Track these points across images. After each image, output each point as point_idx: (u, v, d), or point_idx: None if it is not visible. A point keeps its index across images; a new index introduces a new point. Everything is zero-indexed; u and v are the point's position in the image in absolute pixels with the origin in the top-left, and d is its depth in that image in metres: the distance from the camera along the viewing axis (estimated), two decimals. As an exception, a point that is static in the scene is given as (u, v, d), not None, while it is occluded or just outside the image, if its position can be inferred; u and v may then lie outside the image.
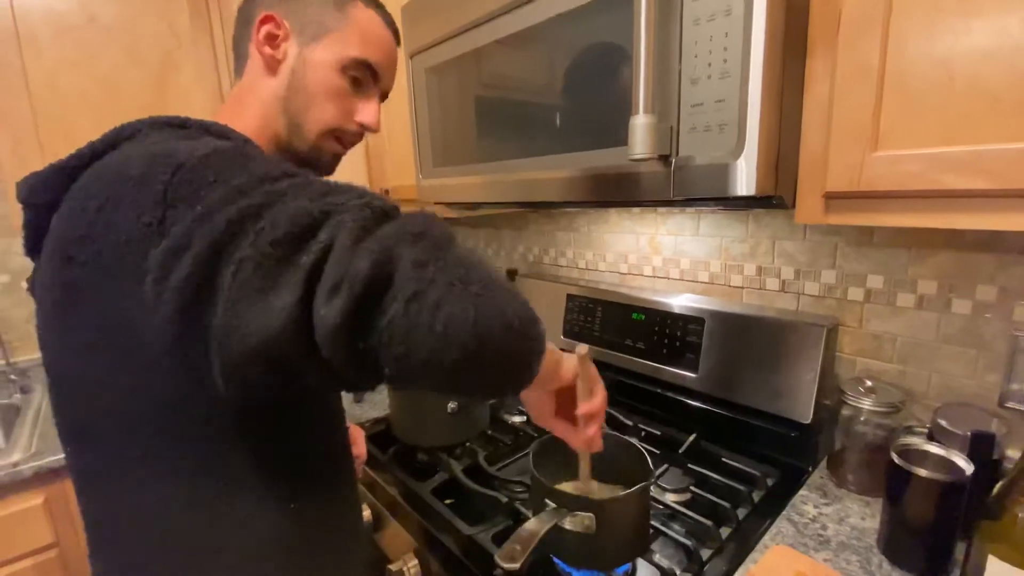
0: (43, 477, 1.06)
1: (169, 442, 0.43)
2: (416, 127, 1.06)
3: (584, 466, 0.62)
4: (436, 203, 1.09)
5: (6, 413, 1.39)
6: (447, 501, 0.83)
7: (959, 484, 0.59)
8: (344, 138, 0.60)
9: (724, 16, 0.53)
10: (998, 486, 0.52)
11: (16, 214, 0.59)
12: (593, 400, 0.55)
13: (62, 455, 1.06)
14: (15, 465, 1.04)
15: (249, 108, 0.56)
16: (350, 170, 1.47)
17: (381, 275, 0.31)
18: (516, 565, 0.50)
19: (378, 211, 0.34)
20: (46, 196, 0.44)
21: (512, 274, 1.44)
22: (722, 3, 0.53)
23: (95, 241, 0.39)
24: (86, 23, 1.25)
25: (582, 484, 0.62)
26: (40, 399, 1.36)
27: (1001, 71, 0.44)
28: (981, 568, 0.51)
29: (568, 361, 0.53)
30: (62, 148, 1.33)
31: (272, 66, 0.56)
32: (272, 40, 0.55)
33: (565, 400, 0.57)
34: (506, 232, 1.53)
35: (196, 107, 1.40)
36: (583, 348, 0.54)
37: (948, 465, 0.62)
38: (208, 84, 1.42)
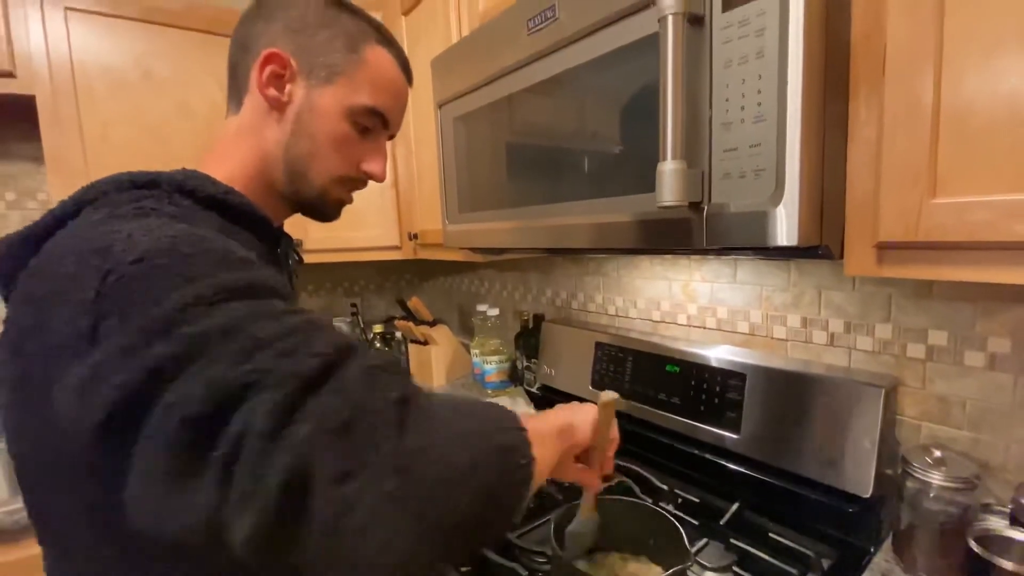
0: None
1: (102, 543, 0.39)
2: (443, 174, 1.07)
3: (589, 498, 0.62)
4: (462, 248, 1.08)
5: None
6: (464, 569, 0.76)
7: (1060, 585, 0.50)
8: (350, 186, 0.58)
9: (756, 58, 0.50)
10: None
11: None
12: (611, 447, 0.54)
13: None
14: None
15: (245, 150, 0.52)
16: (380, 216, 1.49)
17: (294, 495, 0.28)
18: None
19: (307, 380, 0.30)
20: (10, 264, 0.41)
21: (538, 320, 1.40)
22: (754, 45, 0.50)
23: (38, 336, 0.36)
24: (140, 79, 1.34)
25: (582, 516, 0.62)
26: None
27: (1082, 109, 0.39)
28: None
29: (583, 423, 0.51)
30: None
31: (276, 109, 0.51)
32: (277, 81, 0.51)
33: (584, 453, 0.54)
34: (533, 276, 1.50)
35: (236, 155, 1.46)
36: (609, 396, 0.53)
37: (1043, 558, 0.52)
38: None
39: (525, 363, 1.43)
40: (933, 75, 0.46)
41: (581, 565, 0.60)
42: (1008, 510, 0.62)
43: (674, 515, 0.65)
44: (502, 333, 1.57)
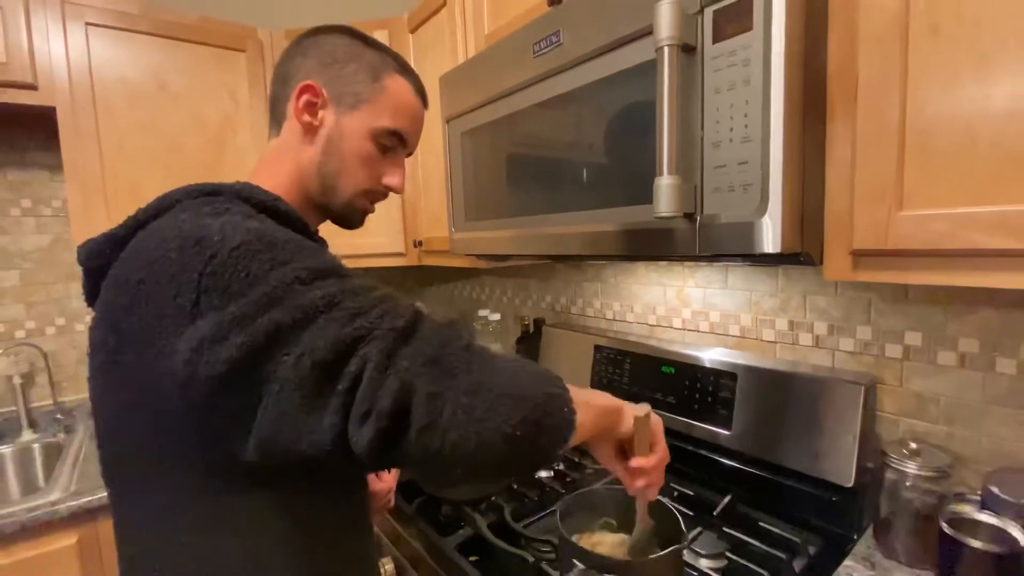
0: (79, 517, 1.09)
1: (193, 495, 0.47)
2: (450, 185, 1.12)
3: (640, 506, 0.64)
4: (468, 254, 1.13)
5: (48, 451, 1.44)
6: (471, 558, 0.81)
7: (1014, 556, 0.55)
8: (373, 197, 0.65)
9: (743, 85, 0.56)
10: (1062, 563, 0.49)
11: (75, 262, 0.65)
12: (648, 458, 0.57)
13: (99, 494, 1.10)
14: (53, 504, 1.07)
15: (285, 167, 0.60)
16: (386, 224, 1.54)
17: (401, 408, 0.38)
18: None
19: (400, 332, 0.40)
20: (99, 261, 0.49)
21: (539, 324, 1.45)
22: (741, 74, 0.56)
23: (135, 312, 0.43)
24: (156, 91, 1.39)
25: (639, 523, 0.64)
26: (82, 439, 1.41)
27: (1020, 132, 0.45)
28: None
29: (629, 416, 0.56)
30: (126, 202, 1.43)
31: (310, 132, 0.59)
32: (311, 108, 0.59)
33: (629, 446, 0.58)
34: (533, 282, 1.55)
35: (250, 166, 1.51)
36: (642, 409, 0.56)
37: (1002, 536, 0.58)
38: (262, 145, 1.53)
39: (526, 366, 1.47)
40: (899, 104, 0.52)
41: (585, 544, 0.64)
42: (979, 497, 0.67)
43: (671, 507, 0.70)
44: (503, 337, 1.62)
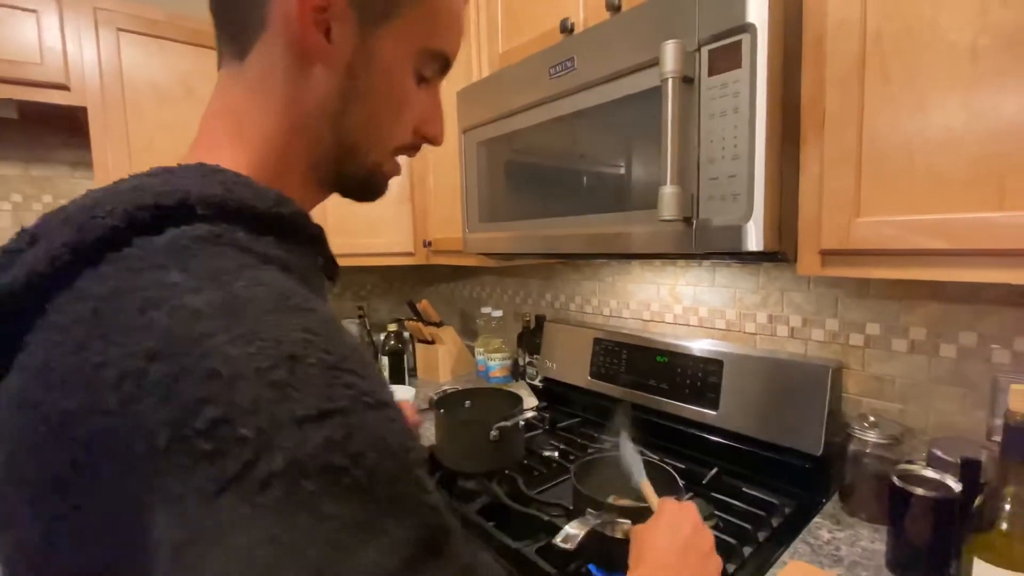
0: None
1: None
2: (465, 190, 1.23)
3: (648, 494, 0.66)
4: (480, 253, 1.23)
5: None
6: (490, 523, 0.91)
7: (950, 500, 0.67)
8: (403, 153, 0.43)
9: (733, 113, 0.68)
10: (978, 500, 0.61)
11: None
12: None
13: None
14: None
15: (267, 122, 0.36)
16: (396, 225, 1.64)
17: None
18: (571, 547, 0.60)
19: None
20: (32, 298, 0.27)
21: (540, 320, 1.57)
22: (731, 103, 0.68)
23: (110, 420, 0.23)
24: (184, 95, 1.47)
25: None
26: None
27: (947, 159, 0.58)
28: (969, 570, 0.59)
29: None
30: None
31: (315, 59, 0.36)
32: (319, 17, 0.34)
33: None
34: (533, 282, 1.67)
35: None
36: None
37: (941, 486, 0.70)
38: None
39: (528, 359, 1.59)
40: (856, 133, 0.64)
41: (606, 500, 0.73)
42: (925, 461, 0.80)
43: (669, 469, 0.81)
44: (503, 334, 1.73)
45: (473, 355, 1.76)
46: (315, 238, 0.37)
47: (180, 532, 0.21)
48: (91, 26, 1.37)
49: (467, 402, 1.19)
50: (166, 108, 1.45)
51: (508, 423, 1.01)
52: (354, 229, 1.54)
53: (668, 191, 0.71)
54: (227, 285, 0.26)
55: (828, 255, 0.70)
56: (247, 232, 0.30)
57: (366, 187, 0.43)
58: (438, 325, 1.82)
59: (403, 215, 1.63)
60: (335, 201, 0.46)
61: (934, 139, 0.59)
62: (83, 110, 1.37)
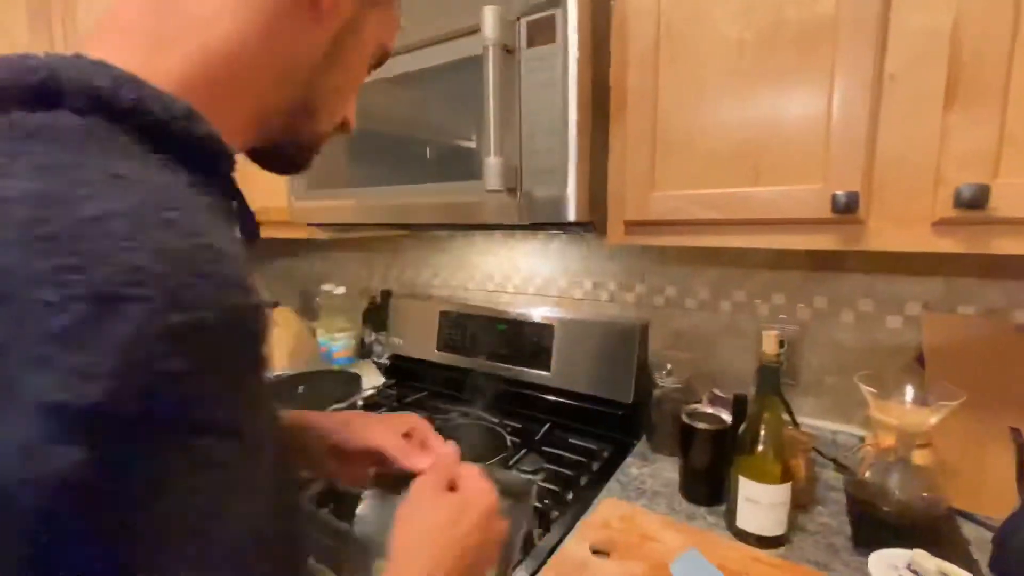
0: None
1: None
2: (289, 152, 1.11)
3: None
4: (309, 224, 1.14)
5: None
6: (323, 509, 0.87)
7: (722, 432, 0.82)
8: (334, 133, 0.44)
9: (550, 86, 0.71)
10: (741, 428, 0.75)
11: None
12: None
13: None
14: None
15: (232, 49, 0.31)
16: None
17: None
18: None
19: None
20: None
21: (386, 296, 1.52)
22: (548, 76, 0.71)
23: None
24: None
25: None
26: None
27: (718, 140, 0.68)
28: (736, 486, 0.72)
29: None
30: None
31: (324, 11, 0.34)
32: None
33: None
34: (378, 256, 1.60)
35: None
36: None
37: (717, 420, 0.85)
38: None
39: (374, 337, 1.53)
40: (651, 113, 0.72)
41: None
42: (708, 400, 0.96)
43: (502, 436, 0.85)
44: (348, 312, 1.64)
45: (315, 337, 1.65)
46: (227, 175, 0.31)
47: None
48: None
49: (300, 387, 1.11)
50: None
51: (343, 406, 0.96)
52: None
53: (492, 162, 0.72)
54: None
55: (631, 226, 0.77)
56: (129, 138, 0.25)
57: (300, 155, 0.42)
58: (272, 306, 1.66)
59: (220, 181, 1.43)
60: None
61: (710, 122, 0.68)
62: None
